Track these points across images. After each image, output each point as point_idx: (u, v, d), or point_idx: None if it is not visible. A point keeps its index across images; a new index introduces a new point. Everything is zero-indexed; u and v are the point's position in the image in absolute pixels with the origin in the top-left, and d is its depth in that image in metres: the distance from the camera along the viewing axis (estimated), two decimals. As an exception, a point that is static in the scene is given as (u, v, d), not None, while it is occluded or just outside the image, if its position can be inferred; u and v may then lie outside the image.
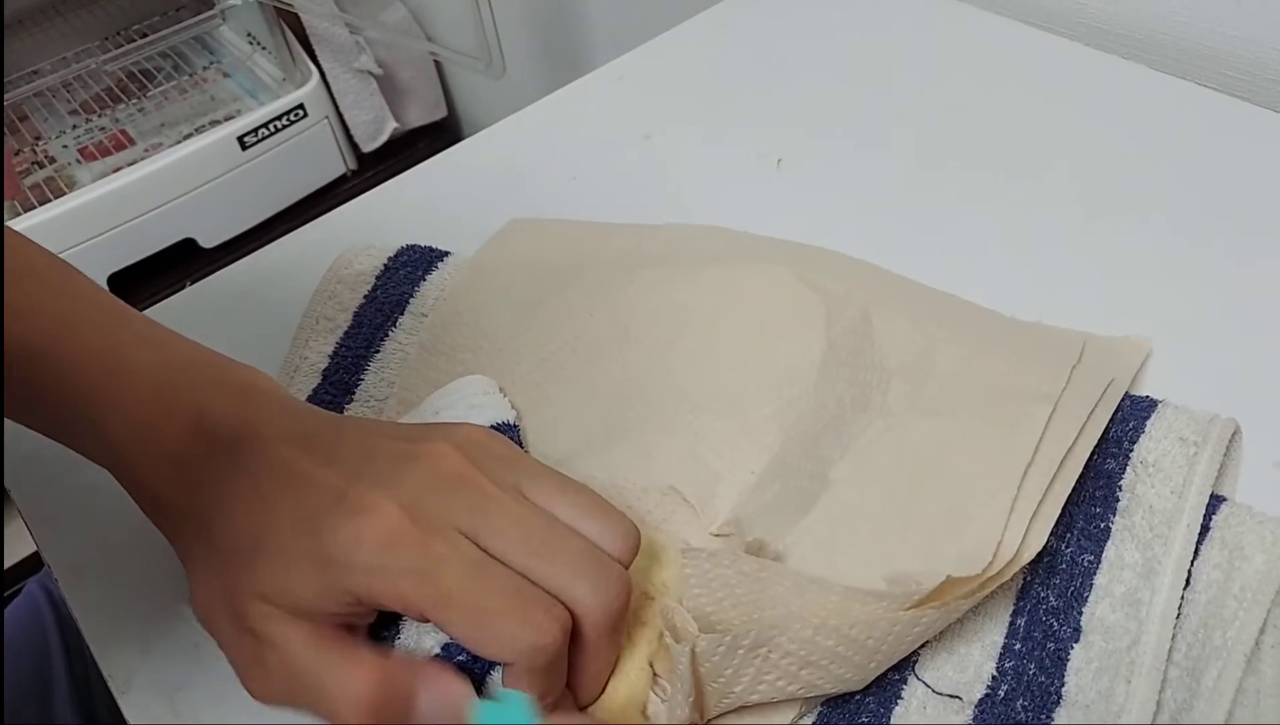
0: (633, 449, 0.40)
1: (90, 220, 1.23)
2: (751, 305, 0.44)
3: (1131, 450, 0.37)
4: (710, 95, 0.62)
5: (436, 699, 0.30)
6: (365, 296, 0.48)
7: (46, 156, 1.33)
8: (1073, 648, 0.33)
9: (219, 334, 0.49)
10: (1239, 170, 0.51)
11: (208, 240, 1.34)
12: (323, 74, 1.37)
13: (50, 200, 1.22)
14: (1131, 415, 0.38)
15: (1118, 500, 0.36)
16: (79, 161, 1.32)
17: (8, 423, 0.38)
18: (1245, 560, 0.33)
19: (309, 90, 1.35)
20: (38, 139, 1.37)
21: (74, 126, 1.38)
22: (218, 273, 0.54)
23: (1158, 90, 0.57)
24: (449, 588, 0.29)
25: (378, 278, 0.48)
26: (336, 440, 0.33)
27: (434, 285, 0.48)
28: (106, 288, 1.23)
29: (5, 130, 1.35)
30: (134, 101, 1.40)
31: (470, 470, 0.32)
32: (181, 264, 1.31)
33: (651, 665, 0.33)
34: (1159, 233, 0.49)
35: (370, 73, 1.40)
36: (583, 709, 0.32)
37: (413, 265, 0.49)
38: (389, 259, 0.49)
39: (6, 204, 1.22)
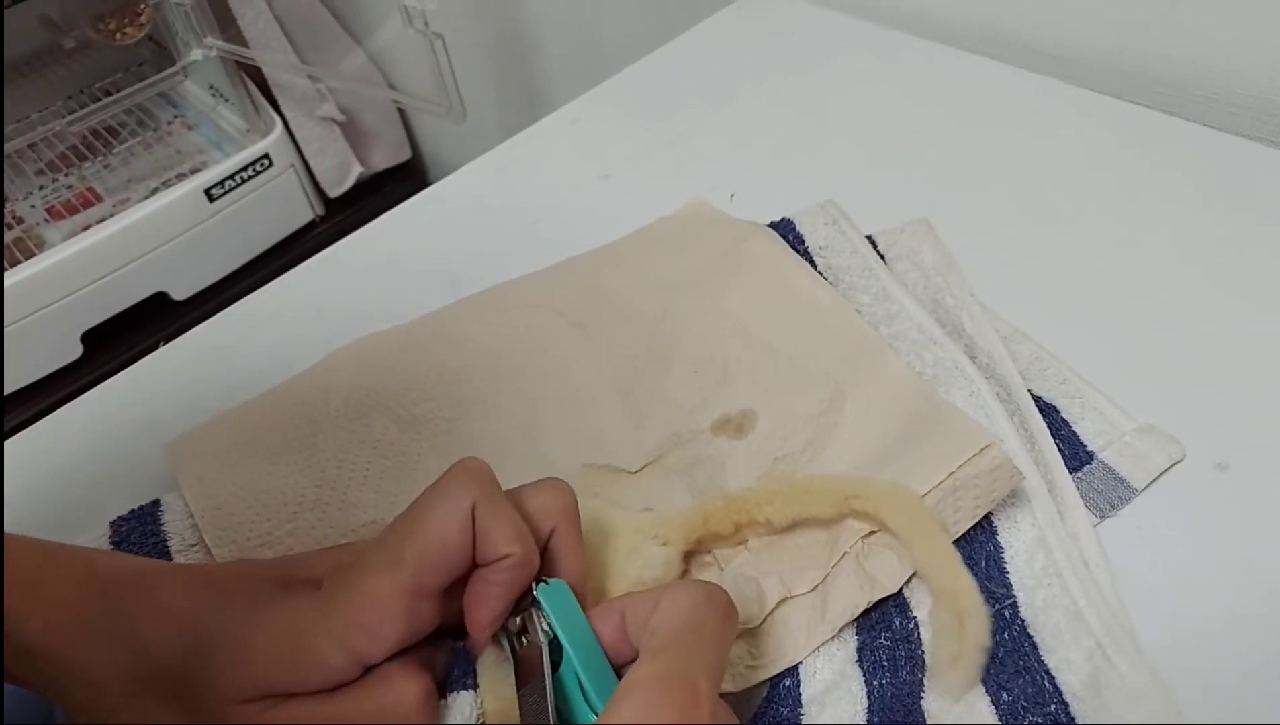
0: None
1: (61, 280, 1.23)
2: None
3: None
4: (663, 134, 0.64)
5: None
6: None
7: (14, 217, 1.33)
8: None
9: (192, 392, 0.51)
10: (1173, 182, 0.54)
11: (180, 293, 1.35)
12: (286, 123, 1.39)
13: (20, 261, 1.22)
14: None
15: None
16: (47, 221, 1.32)
17: None
18: None
19: (273, 140, 1.36)
20: (4, 200, 1.37)
21: (41, 187, 1.38)
22: (189, 333, 0.55)
23: (1088, 107, 0.60)
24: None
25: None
26: (241, 562, 0.36)
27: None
28: (81, 345, 1.25)
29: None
30: (100, 158, 1.41)
31: None
32: (154, 318, 1.32)
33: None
34: (1102, 241, 0.51)
35: (333, 119, 1.42)
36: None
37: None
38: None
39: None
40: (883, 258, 0.51)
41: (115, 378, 0.53)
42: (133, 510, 0.43)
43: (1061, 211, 0.54)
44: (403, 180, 1.55)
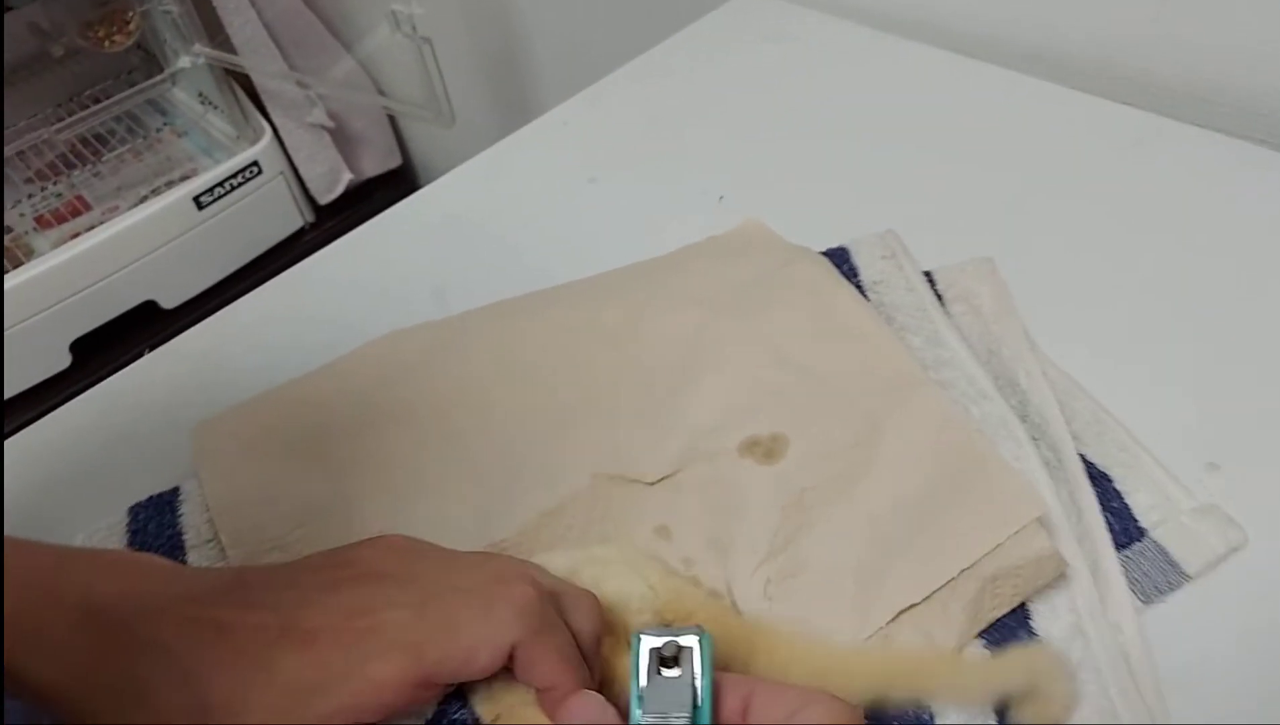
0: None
1: (50, 288, 1.23)
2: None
3: None
4: (650, 136, 0.64)
5: None
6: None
7: (4, 226, 1.33)
8: None
9: (181, 398, 0.50)
10: (1170, 187, 0.54)
11: (168, 301, 1.34)
12: (275, 130, 1.38)
13: (8, 270, 1.22)
14: None
15: None
16: (36, 229, 1.32)
17: None
18: None
19: (262, 147, 1.36)
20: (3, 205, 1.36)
21: (30, 195, 1.38)
22: (176, 338, 0.55)
23: (1078, 109, 0.59)
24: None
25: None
26: (247, 588, 0.34)
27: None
28: (70, 354, 1.24)
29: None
30: (89, 166, 1.40)
31: (398, 566, 0.34)
32: (143, 326, 1.32)
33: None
34: (1095, 246, 0.51)
35: (322, 126, 1.41)
36: None
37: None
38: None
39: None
40: (940, 298, 0.49)
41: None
42: (152, 497, 0.44)
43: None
44: (393, 186, 1.54)
